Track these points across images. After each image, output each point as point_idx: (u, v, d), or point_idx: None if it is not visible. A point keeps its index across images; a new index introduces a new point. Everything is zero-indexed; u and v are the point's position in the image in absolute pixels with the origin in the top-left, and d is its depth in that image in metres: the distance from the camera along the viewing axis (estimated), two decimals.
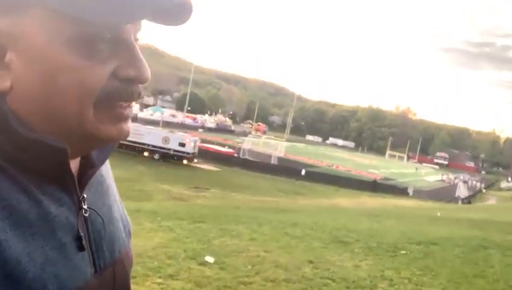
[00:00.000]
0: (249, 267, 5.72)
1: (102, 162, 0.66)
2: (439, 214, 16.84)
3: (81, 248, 0.60)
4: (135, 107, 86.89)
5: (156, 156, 34.66)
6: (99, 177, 0.69)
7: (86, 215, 0.62)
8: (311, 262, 6.28)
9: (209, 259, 5.81)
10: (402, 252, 7.66)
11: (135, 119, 67.11)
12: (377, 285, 5.36)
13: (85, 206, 0.62)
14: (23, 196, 0.55)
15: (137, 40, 0.59)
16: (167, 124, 71.52)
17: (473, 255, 7.76)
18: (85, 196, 0.63)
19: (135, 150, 34.37)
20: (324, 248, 7.45)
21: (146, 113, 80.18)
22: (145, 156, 34.44)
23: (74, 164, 0.61)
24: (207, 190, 22.40)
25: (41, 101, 0.54)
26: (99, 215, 0.66)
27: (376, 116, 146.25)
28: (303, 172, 41.78)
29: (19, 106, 0.54)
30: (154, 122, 66.85)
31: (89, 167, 0.63)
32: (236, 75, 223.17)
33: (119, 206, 0.74)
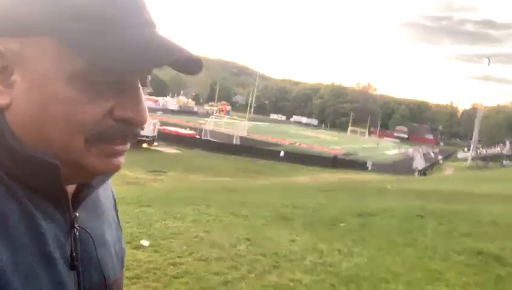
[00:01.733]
0: (184, 248, 5.81)
1: (99, 184, 0.66)
2: (389, 186, 17.40)
3: (72, 267, 0.61)
4: None
5: None
6: (95, 201, 0.69)
7: (77, 234, 0.62)
8: (248, 240, 6.43)
9: (144, 242, 5.87)
10: (341, 224, 7.94)
11: None
12: (306, 257, 5.56)
13: (76, 225, 0.63)
14: (16, 206, 0.56)
15: (146, 85, 0.62)
16: None
17: (409, 225, 8.12)
18: (77, 215, 0.63)
19: None
20: (265, 225, 7.62)
21: None
22: None
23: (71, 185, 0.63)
24: (164, 173, 22.29)
25: (35, 124, 0.56)
26: (90, 235, 0.65)
27: (338, 93, 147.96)
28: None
29: (14, 123, 0.56)
30: None
31: (85, 187, 0.64)
32: (198, 55, 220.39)
33: (114, 233, 0.74)
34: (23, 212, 0.56)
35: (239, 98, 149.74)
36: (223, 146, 42.16)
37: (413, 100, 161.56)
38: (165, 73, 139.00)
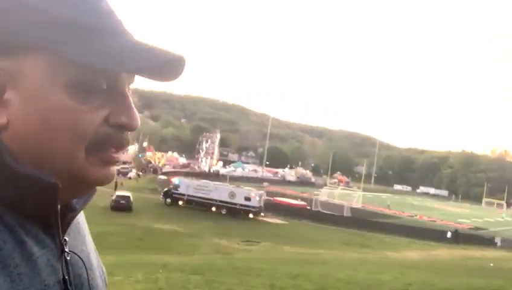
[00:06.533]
0: None
1: (82, 208, 0.67)
2: (491, 264, 15.42)
3: None
4: (219, 164, 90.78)
5: (223, 211, 35.55)
6: (76, 224, 0.70)
7: (68, 258, 0.63)
8: None
9: None
10: None
11: (217, 175, 70.18)
12: None
13: (67, 249, 0.63)
14: (8, 235, 0.55)
15: (130, 91, 0.63)
16: (248, 179, 73.20)
17: None
18: (67, 239, 0.64)
19: (204, 206, 35.63)
20: None
21: (228, 170, 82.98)
22: (213, 211, 35.51)
23: None
24: (258, 243, 22.47)
25: (35, 140, 0.56)
26: (80, 259, 0.67)
27: (470, 161, 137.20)
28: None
29: (12, 142, 0.56)
30: (235, 178, 68.83)
31: (69, 212, 0.64)
32: (320, 127, 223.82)
33: (95, 254, 0.76)
34: (16, 240, 0.55)
35: (360, 169, 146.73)
36: (332, 218, 41.12)
37: None
38: (287, 146, 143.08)
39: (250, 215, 35.14)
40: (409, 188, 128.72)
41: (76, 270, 0.64)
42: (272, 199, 44.19)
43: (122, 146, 0.61)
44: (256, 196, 35.81)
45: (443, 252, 29.99)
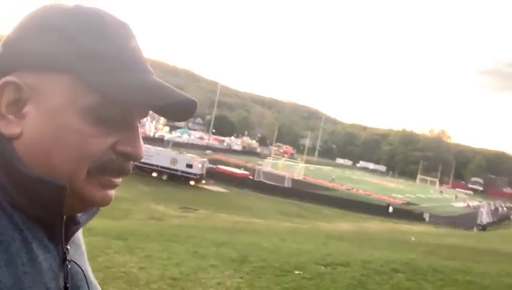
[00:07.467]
0: (97, 281, 5.82)
1: (85, 222, 0.70)
2: (413, 238, 16.38)
3: None
4: (165, 129, 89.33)
5: (164, 177, 35.26)
6: (77, 241, 0.73)
7: (69, 267, 0.65)
8: (173, 279, 6.31)
9: None
10: (296, 272, 7.53)
11: (161, 141, 69.17)
12: None
13: (68, 258, 0.65)
14: (17, 234, 0.57)
15: (140, 123, 0.67)
16: (194, 146, 72.68)
17: (370, 279, 7.54)
18: (69, 248, 0.66)
19: (144, 171, 35.13)
20: (212, 266, 7.42)
21: (174, 135, 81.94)
22: (153, 177, 35.13)
23: None
24: (195, 210, 22.54)
25: (43, 153, 0.59)
26: (82, 270, 0.69)
27: (409, 140, 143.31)
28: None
29: (23, 151, 0.59)
30: (181, 145, 68.11)
31: (72, 224, 0.67)
32: (270, 99, 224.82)
33: (92, 275, 0.77)
34: (23, 240, 0.58)
35: (305, 141, 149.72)
36: (273, 188, 41.93)
37: (491, 150, 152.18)
38: (235, 115, 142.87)
39: (191, 183, 35.09)
40: (350, 163, 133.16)
41: (76, 281, 0.66)
42: (214, 167, 44.28)
43: (123, 173, 0.64)
44: (198, 163, 35.70)
45: (373, 225, 31.43)
